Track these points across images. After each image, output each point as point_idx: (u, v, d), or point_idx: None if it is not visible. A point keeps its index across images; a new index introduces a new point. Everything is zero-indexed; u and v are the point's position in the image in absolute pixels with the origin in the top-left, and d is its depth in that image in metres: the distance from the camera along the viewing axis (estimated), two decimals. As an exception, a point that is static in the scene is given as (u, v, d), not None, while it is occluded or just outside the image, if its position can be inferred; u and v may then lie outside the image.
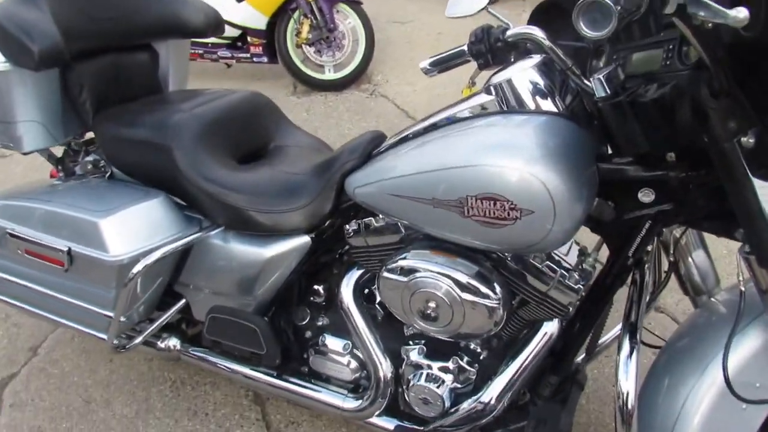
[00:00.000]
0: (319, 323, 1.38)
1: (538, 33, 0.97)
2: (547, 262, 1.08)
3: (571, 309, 1.11)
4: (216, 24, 1.65)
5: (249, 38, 3.60)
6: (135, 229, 1.26)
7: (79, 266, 1.28)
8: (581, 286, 1.08)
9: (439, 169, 1.01)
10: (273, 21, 3.52)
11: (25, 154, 1.45)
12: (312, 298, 1.40)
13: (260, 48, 3.62)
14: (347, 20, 3.61)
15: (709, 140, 0.82)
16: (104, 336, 1.35)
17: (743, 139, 0.81)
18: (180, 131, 1.31)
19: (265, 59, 3.66)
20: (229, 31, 3.54)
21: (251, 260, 1.30)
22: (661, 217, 1.02)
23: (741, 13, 0.64)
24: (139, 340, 1.41)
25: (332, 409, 1.32)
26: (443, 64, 1.11)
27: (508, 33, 1.03)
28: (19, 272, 1.42)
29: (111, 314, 1.30)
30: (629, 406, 0.99)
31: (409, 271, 1.11)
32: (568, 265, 1.11)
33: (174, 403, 1.70)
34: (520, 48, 1.09)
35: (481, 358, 1.22)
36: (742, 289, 0.92)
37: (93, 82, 1.43)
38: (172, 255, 1.32)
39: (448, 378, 1.22)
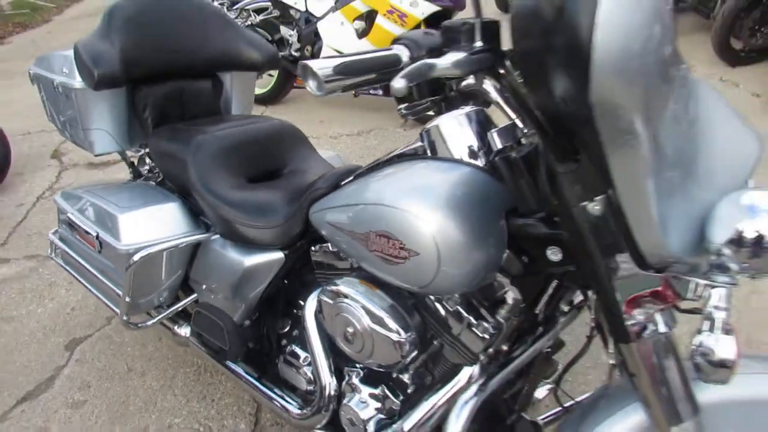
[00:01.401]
0: (294, 334, 1.51)
1: (489, 87, 0.97)
2: (460, 307, 1.11)
3: (482, 357, 1.12)
4: (271, 60, 1.86)
5: (366, 71, 3.85)
6: (145, 225, 1.49)
7: (105, 250, 1.55)
8: (489, 336, 1.09)
9: (356, 203, 1.09)
10: (389, 56, 3.74)
11: (96, 155, 1.78)
12: (294, 310, 1.53)
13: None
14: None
15: (558, 204, 0.83)
16: (118, 311, 1.61)
17: (590, 206, 0.80)
18: (199, 148, 1.53)
19: (380, 92, 3.89)
20: (350, 63, 3.82)
21: (235, 267, 1.46)
22: (568, 277, 1.00)
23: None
24: (151, 322, 1.65)
25: (284, 413, 1.44)
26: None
27: (462, 84, 1.08)
28: (76, 250, 1.74)
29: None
30: None
31: (336, 295, 1.20)
32: (485, 313, 1.12)
33: (192, 385, 1.93)
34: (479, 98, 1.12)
35: (408, 391, 1.26)
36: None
37: (156, 102, 1.71)
38: (181, 251, 1.54)
39: (374, 405, 1.27)
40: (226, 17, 1.85)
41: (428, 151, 1.12)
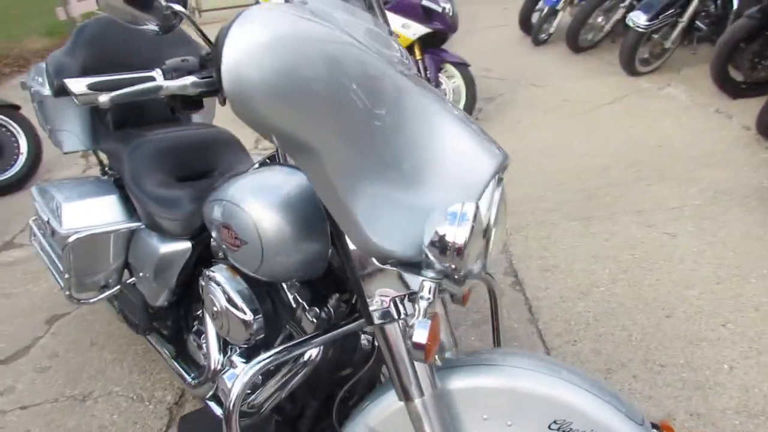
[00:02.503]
0: (202, 315, 1.72)
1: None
2: (298, 294, 1.29)
3: (314, 341, 1.29)
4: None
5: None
6: (83, 213, 1.74)
7: (54, 234, 1.81)
8: (315, 322, 1.26)
9: (220, 199, 1.29)
10: (387, 75, 3.95)
11: (64, 153, 2.05)
12: (204, 294, 1.74)
13: (375, 97, 4.07)
14: (452, 79, 3.88)
15: None
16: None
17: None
18: (135, 149, 1.77)
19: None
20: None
21: (153, 254, 1.68)
22: None
23: None
24: (93, 300, 1.90)
25: (183, 382, 1.65)
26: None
27: None
28: (41, 234, 2.01)
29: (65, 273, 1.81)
30: None
31: (209, 279, 1.40)
32: (319, 300, 1.29)
33: (138, 360, 2.17)
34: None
35: (271, 368, 1.44)
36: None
37: (115, 109, 1.97)
38: (117, 238, 1.78)
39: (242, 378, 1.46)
40: (185, 37, 2.10)
41: (279, 158, 1.32)
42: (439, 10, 3.73)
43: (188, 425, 1.53)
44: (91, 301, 1.91)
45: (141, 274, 1.80)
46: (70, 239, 1.70)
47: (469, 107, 3.86)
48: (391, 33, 1.17)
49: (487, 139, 0.95)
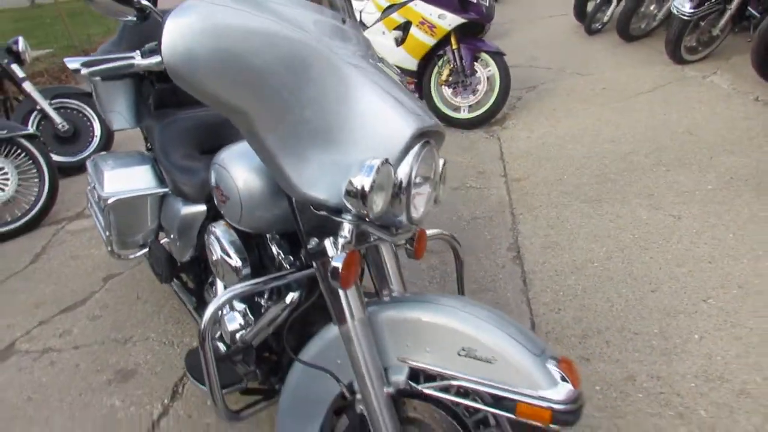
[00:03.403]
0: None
1: None
2: (276, 245, 1.53)
3: (293, 287, 1.52)
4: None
5: (404, 77, 4.28)
6: (122, 181, 2.06)
7: (99, 199, 2.14)
8: (289, 268, 1.49)
9: (212, 164, 1.54)
10: (424, 64, 4.14)
11: (114, 131, 2.39)
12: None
13: (413, 86, 4.27)
14: (487, 68, 4.01)
15: None
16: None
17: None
18: (165, 126, 2.07)
19: (416, 95, 4.28)
20: (390, 70, 4.27)
21: (176, 216, 1.97)
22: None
23: None
24: (132, 256, 2.22)
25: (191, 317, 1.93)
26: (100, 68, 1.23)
27: None
28: (92, 200, 2.36)
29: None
30: None
31: (209, 233, 1.66)
32: (293, 251, 1.52)
33: (173, 313, 2.50)
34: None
35: (261, 310, 1.69)
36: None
37: (155, 93, 2.28)
38: (151, 201, 2.09)
39: (238, 319, 1.72)
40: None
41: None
42: (475, 0, 3.87)
43: (192, 359, 1.80)
44: (130, 257, 2.24)
45: (170, 235, 2.10)
46: (109, 201, 2.02)
47: (503, 95, 3.98)
48: (359, 29, 1.38)
49: (416, 108, 1.13)
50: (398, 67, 4.23)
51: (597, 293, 2.23)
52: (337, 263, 1.06)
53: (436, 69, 4.11)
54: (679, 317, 2.04)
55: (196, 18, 0.97)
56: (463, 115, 4.12)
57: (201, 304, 2.05)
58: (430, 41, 3.98)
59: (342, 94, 1.11)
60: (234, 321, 1.69)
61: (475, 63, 4.02)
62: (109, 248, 2.19)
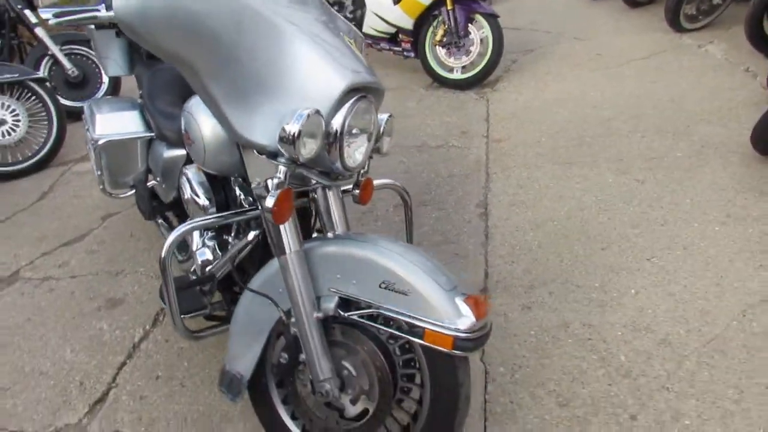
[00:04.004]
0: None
1: None
2: (238, 187, 1.69)
3: (253, 227, 1.69)
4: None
5: (400, 35, 4.36)
6: (112, 124, 2.23)
7: (91, 140, 2.32)
8: (244, 207, 1.66)
9: (183, 110, 1.69)
10: (419, 23, 4.21)
11: (109, 76, 2.54)
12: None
13: (409, 44, 4.35)
14: (481, 30, 4.08)
15: None
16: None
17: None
18: (153, 75, 2.22)
19: (413, 54, 4.38)
20: (387, 27, 4.35)
21: (160, 159, 2.14)
22: None
23: None
24: (122, 195, 2.41)
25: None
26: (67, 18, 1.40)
27: None
28: (87, 141, 2.54)
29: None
30: None
31: (181, 174, 1.83)
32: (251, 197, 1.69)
33: (161, 250, 2.69)
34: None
35: (228, 247, 1.88)
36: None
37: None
38: (140, 145, 2.26)
39: (206, 253, 1.90)
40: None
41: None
42: (472, -39, 3.92)
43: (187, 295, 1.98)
44: (121, 196, 2.43)
45: (156, 177, 2.28)
46: (100, 142, 2.20)
47: (495, 57, 4.05)
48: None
49: (355, 64, 1.25)
50: (395, 25, 4.31)
51: (550, 249, 2.39)
52: (270, 201, 1.23)
53: (431, 29, 4.18)
54: (622, 273, 2.20)
55: None
56: (456, 75, 4.21)
57: (183, 242, 2.24)
58: (425, 1, 4.05)
59: (280, 48, 1.23)
60: (204, 255, 1.87)
61: (470, 24, 4.09)
62: (101, 187, 2.38)
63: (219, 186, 1.76)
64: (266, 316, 1.49)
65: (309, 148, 1.22)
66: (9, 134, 3.79)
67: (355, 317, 1.36)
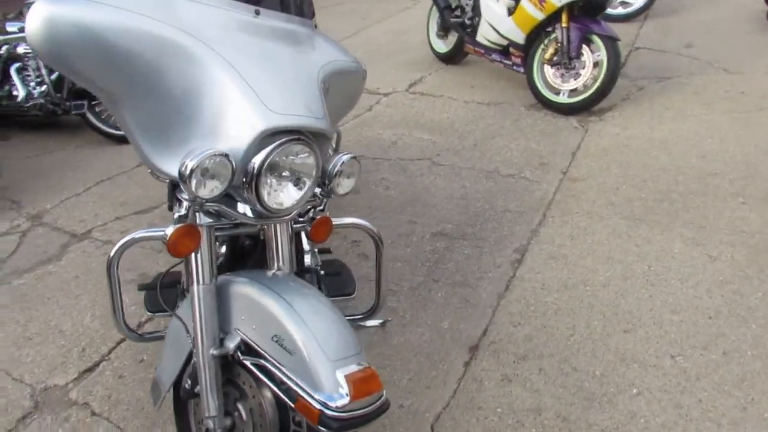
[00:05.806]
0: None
1: None
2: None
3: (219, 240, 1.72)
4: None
5: (511, 49, 4.11)
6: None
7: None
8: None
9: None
10: (532, 38, 3.94)
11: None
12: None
13: (519, 59, 4.10)
14: (597, 53, 3.71)
15: None
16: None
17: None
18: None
19: (522, 70, 4.11)
20: (499, 39, 4.13)
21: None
22: None
23: None
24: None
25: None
26: None
27: None
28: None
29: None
30: None
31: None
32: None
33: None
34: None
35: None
36: None
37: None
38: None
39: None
40: None
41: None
42: (594, -23, 3.57)
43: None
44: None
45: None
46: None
47: (607, 84, 3.67)
48: (284, 18, 1.46)
49: (287, 106, 1.22)
50: (507, 38, 4.07)
51: (566, 318, 2.14)
52: (168, 232, 1.23)
53: (542, 46, 3.89)
54: (632, 366, 1.91)
55: (57, 8, 1.10)
56: (561, 99, 3.89)
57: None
58: (538, 15, 3.77)
59: (201, 81, 1.20)
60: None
61: (586, 46, 3.74)
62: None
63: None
64: (184, 340, 1.52)
65: (210, 188, 1.20)
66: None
67: (248, 362, 1.33)
